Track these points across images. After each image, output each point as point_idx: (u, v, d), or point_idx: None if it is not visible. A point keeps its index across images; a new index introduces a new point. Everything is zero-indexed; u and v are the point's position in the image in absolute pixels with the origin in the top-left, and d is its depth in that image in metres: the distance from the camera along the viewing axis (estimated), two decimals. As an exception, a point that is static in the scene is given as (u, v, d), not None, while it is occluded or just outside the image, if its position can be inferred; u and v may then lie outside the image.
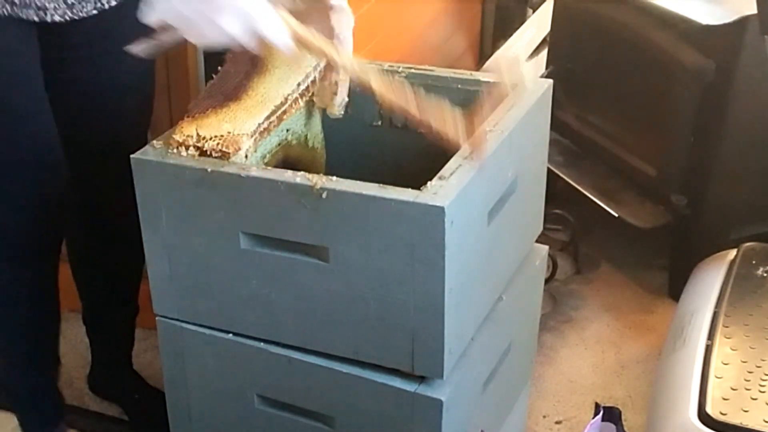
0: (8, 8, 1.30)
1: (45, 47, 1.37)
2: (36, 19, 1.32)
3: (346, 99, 1.32)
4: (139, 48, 1.12)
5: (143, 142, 1.61)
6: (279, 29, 1.11)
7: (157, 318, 1.32)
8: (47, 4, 1.31)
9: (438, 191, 1.08)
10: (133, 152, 1.59)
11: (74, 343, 1.80)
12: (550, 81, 1.37)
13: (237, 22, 1.08)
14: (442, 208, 1.05)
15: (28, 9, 1.31)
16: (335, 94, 1.31)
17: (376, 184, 1.10)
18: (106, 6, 1.37)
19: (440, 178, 1.11)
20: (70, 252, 1.71)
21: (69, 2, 1.33)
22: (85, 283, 1.74)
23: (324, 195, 1.09)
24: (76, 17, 1.35)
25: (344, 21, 1.25)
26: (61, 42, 1.38)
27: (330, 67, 1.28)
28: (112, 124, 1.52)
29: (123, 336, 1.80)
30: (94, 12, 1.36)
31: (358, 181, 1.09)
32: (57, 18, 1.33)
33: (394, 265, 1.11)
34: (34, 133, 1.41)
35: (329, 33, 1.27)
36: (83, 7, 1.35)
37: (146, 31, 1.38)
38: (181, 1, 1.06)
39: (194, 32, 1.09)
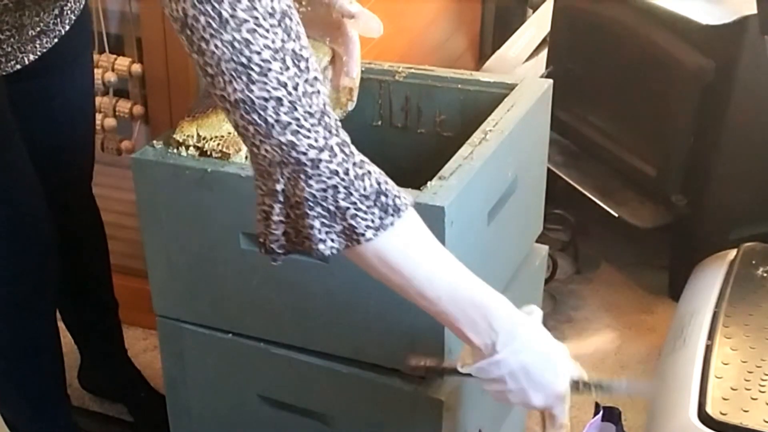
0: None
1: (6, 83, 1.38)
2: (19, 67, 1.33)
3: (355, 102, 1.32)
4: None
5: (93, 148, 1.63)
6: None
7: (157, 318, 1.32)
8: (25, 52, 1.33)
9: (438, 191, 1.08)
10: (86, 158, 1.61)
11: (73, 343, 1.80)
12: (550, 81, 1.37)
13: (543, 400, 1.05)
14: (442, 208, 1.05)
15: (11, 61, 1.32)
16: (349, 99, 1.31)
17: (376, 184, 1.09)
18: (63, 32, 1.38)
19: (440, 178, 1.11)
20: None
21: (40, 43, 1.35)
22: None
23: (324, 195, 1.09)
24: (44, 50, 1.36)
25: (370, 26, 1.25)
26: (20, 75, 1.38)
27: (339, 72, 1.27)
28: (66, 135, 1.53)
29: (109, 333, 1.80)
30: (56, 41, 1.37)
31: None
32: (31, 57, 1.35)
33: (394, 265, 1.10)
34: (21, 185, 1.40)
35: (335, 36, 1.27)
36: (49, 41, 1.36)
37: (88, 47, 1.47)
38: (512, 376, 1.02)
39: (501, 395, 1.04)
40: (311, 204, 0.90)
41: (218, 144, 1.16)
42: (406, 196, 0.94)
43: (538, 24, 2.59)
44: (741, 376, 1.44)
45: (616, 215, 2.07)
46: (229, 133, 1.17)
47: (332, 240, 0.92)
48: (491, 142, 1.19)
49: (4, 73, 1.32)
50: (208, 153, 1.17)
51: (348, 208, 0.90)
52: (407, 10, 2.30)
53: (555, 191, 2.09)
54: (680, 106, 1.96)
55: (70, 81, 1.49)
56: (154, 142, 1.21)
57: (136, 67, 1.80)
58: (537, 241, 1.48)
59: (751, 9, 1.75)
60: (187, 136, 1.18)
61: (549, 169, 1.48)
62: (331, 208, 0.90)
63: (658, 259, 2.23)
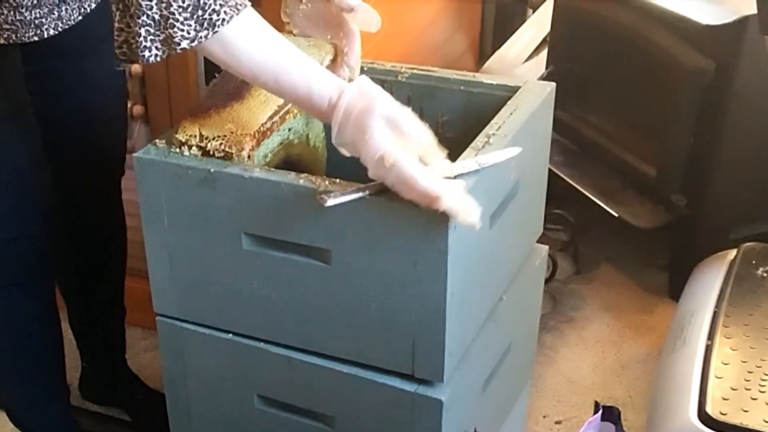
0: (13, 36, 1.30)
1: (29, 60, 1.37)
2: (36, 38, 1.32)
3: None
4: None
5: (124, 142, 1.62)
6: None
7: (157, 318, 1.32)
8: (43, 21, 1.32)
9: (441, 195, 1.08)
10: (115, 152, 1.60)
11: (73, 343, 1.80)
12: (553, 84, 1.37)
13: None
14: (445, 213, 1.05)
15: (27, 30, 1.31)
16: None
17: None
18: (89, 9, 1.37)
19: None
20: None
21: (60, 14, 1.33)
22: (69, 289, 1.73)
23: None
24: (66, 26, 1.35)
25: (369, 20, 1.25)
26: (45, 52, 1.37)
27: (341, 65, 1.27)
28: (94, 125, 1.52)
29: (113, 340, 1.80)
30: (80, 18, 1.36)
31: (360, 184, 1.09)
32: (52, 32, 1.34)
33: (396, 268, 1.11)
34: (24, 154, 1.40)
35: (336, 31, 1.27)
36: (71, 15, 1.35)
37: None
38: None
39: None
40: (139, 13, 1.03)
41: (221, 144, 1.16)
42: (227, 10, 1.05)
43: (538, 24, 2.58)
44: (741, 376, 1.44)
45: (616, 215, 2.08)
46: (232, 133, 1.17)
47: (156, 48, 1.06)
48: (494, 146, 1.19)
49: (20, 42, 1.31)
50: (211, 153, 1.17)
51: (168, 18, 1.04)
52: (407, 10, 2.30)
53: (555, 191, 2.09)
54: (680, 106, 1.96)
55: (97, 65, 1.47)
56: (157, 141, 1.21)
57: (136, 67, 1.79)
58: (537, 242, 1.48)
59: (751, 9, 1.75)
60: (190, 135, 1.17)
61: (549, 170, 1.48)
62: (156, 17, 1.04)
63: (658, 259, 2.23)
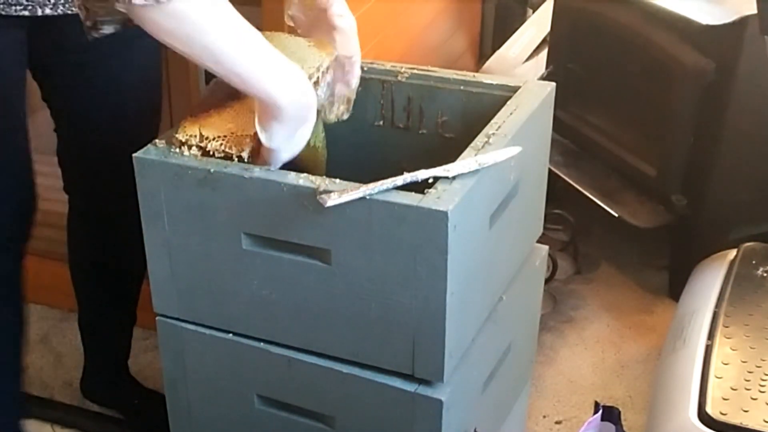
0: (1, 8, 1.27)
1: (43, 51, 1.35)
2: (26, 13, 1.28)
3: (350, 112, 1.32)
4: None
5: (155, 136, 1.61)
6: None
7: (157, 317, 1.32)
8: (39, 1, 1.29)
9: (441, 195, 1.08)
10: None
11: (75, 343, 1.80)
12: (553, 84, 1.37)
13: None
14: (445, 213, 1.05)
15: (17, 5, 1.28)
16: (346, 110, 1.31)
17: (379, 187, 1.09)
18: None
19: (444, 181, 1.11)
20: (70, 256, 1.71)
21: None
22: (84, 288, 1.72)
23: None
24: (69, 12, 1.31)
25: (349, 43, 1.25)
26: (62, 44, 1.36)
27: (336, 79, 1.27)
28: (118, 125, 1.50)
29: (120, 343, 1.80)
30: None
31: (360, 184, 1.09)
32: (48, 11, 1.30)
33: (396, 268, 1.11)
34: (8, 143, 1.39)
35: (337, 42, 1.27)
36: None
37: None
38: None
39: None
40: None
41: (221, 144, 1.16)
42: None
43: (538, 24, 2.58)
44: (741, 376, 1.44)
45: (616, 215, 2.08)
46: (232, 133, 1.17)
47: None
48: (494, 146, 1.19)
49: (4, 14, 1.27)
50: (211, 153, 1.17)
51: None
52: (407, 10, 2.29)
53: (555, 191, 2.09)
54: (680, 106, 1.96)
55: (131, 59, 1.45)
56: (157, 141, 1.21)
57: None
58: (537, 242, 1.48)
59: (751, 9, 1.75)
60: (190, 135, 1.17)
61: (549, 170, 1.48)
62: None
63: (658, 259, 2.23)
